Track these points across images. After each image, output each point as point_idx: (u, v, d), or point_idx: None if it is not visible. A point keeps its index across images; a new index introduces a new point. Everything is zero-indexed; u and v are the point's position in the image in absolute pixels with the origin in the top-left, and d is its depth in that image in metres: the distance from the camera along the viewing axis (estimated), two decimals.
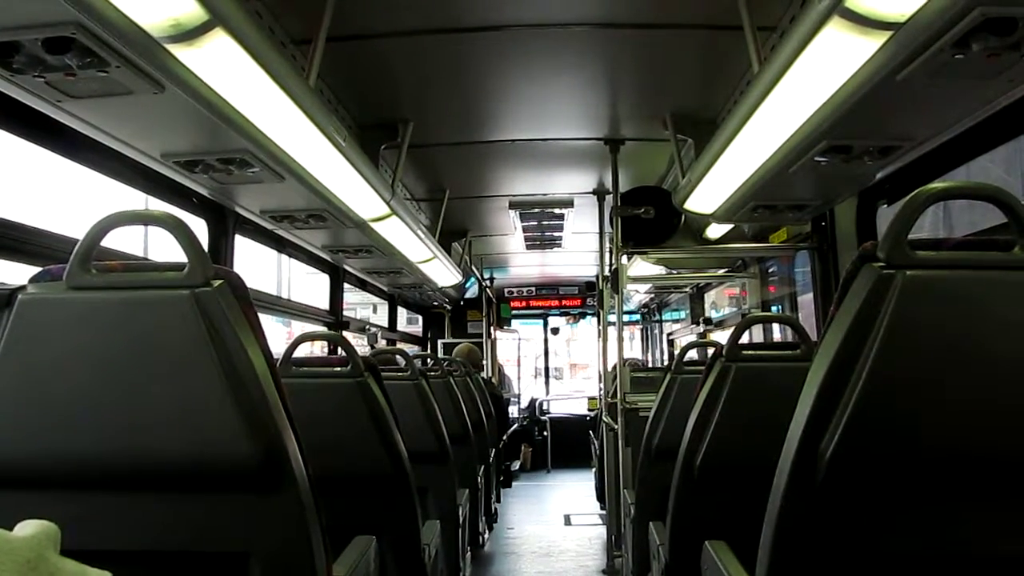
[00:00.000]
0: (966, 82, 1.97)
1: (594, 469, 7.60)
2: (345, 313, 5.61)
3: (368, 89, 3.47)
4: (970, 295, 1.29)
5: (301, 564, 1.48)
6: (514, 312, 11.15)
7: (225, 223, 3.34)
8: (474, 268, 7.99)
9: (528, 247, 7.44)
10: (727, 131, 2.71)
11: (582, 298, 10.98)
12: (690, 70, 3.32)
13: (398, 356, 3.88)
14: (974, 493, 1.37)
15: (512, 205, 5.81)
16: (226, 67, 1.94)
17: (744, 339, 2.43)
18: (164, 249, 2.00)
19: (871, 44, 1.83)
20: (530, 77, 3.41)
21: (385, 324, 7.31)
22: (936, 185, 1.33)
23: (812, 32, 1.87)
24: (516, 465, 9.76)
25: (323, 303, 5.35)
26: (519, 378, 12.17)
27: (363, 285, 6.22)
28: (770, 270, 5.79)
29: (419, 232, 4.44)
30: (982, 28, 1.65)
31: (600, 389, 6.25)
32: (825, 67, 2.02)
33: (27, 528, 0.56)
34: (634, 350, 12.42)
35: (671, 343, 10.19)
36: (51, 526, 0.57)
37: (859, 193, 3.39)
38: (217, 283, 1.39)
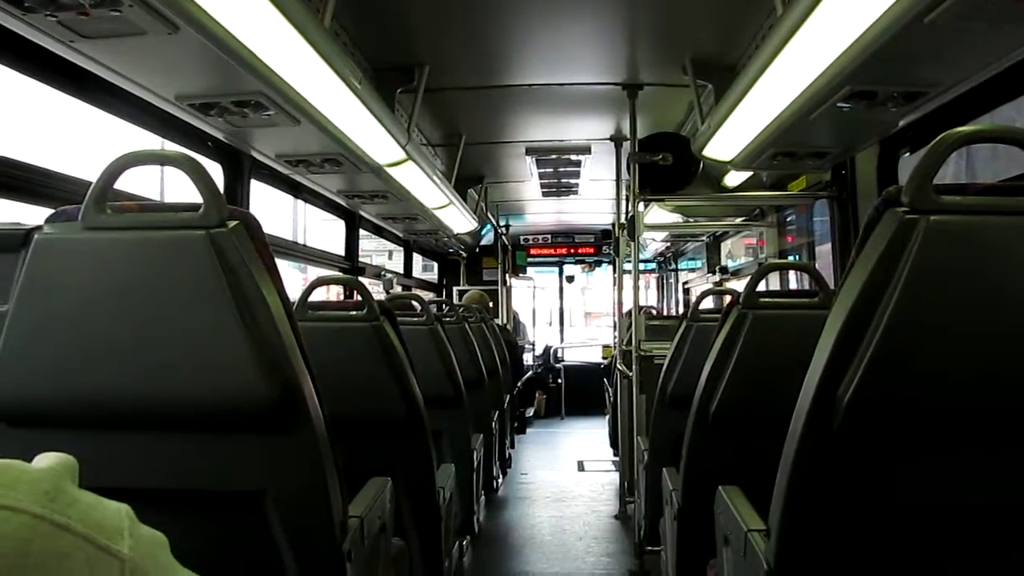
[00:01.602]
0: (995, 26, 1.92)
1: (607, 416, 7.65)
2: (361, 260, 5.62)
3: (384, 32, 3.42)
4: (996, 241, 1.26)
5: (316, 503, 1.50)
6: (529, 260, 11.13)
7: (240, 167, 3.33)
8: (490, 215, 7.96)
9: (544, 194, 7.40)
10: (748, 76, 2.67)
11: (598, 246, 10.94)
12: (711, 13, 3.25)
13: (413, 301, 3.88)
14: (993, 443, 1.37)
15: (529, 151, 5.76)
16: (240, 7, 1.92)
17: (761, 288, 2.42)
18: (180, 195, 1.99)
19: None
20: (548, 20, 3.36)
21: (401, 271, 7.32)
22: (963, 129, 1.30)
23: None
24: (530, 411, 9.83)
25: (339, 250, 5.36)
26: (534, 325, 12.20)
27: (379, 231, 6.22)
28: (788, 219, 5.74)
29: (435, 178, 4.42)
30: None
31: (615, 337, 6.26)
32: (850, 9, 1.97)
33: (45, 460, 0.56)
34: (650, 299, 12.42)
35: (687, 292, 10.19)
36: (69, 459, 0.57)
37: (880, 141, 3.33)
38: (233, 224, 1.38)
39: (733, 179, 4.93)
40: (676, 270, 11.40)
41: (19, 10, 1.72)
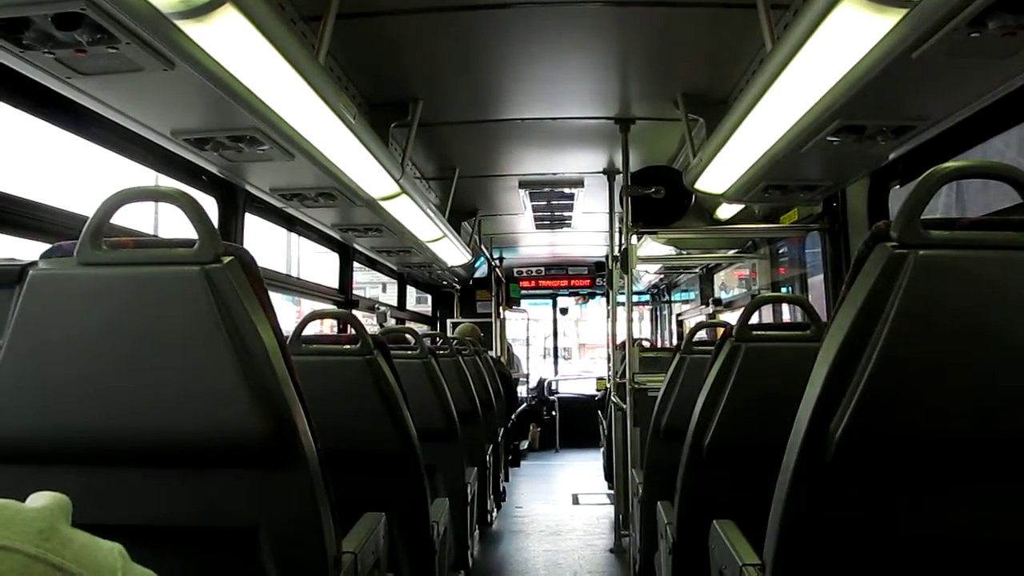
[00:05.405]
0: (981, 61, 1.95)
1: (602, 449, 7.61)
2: (354, 292, 5.62)
3: (378, 67, 3.45)
4: (984, 275, 1.28)
5: (310, 539, 1.49)
6: (523, 292, 11.13)
7: (235, 201, 3.34)
8: (484, 247, 7.98)
9: (538, 227, 7.43)
10: (739, 110, 2.69)
11: (591, 278, 10.97)
12: (702, 49, 3.28)
13: (407, 334, 3.88)
14: (984, 475, 1.37)
15: (522, 184, 5.79)
16: (236, 44, 1.93)
17: (754, 320, 2.43)
18: (174, 229, 2.00)
19: (886, 22, 1.81)
20: (540, 55, 3.39)
21: (394, 303, 7.32)
22: (950, 164, 1.32)
23: (826, 9, 1.85)
24: (524, 444, 9.78)
25: (332, 282, 5.36)
26: (528, 358, 12.17)
27: (372, 264, 6.23)
28: (780, 251, 5.77)
29: (429, 211, 4.43)
30: (998, 6, 1.63)
31: (609, 369, 6.25)
32: (839, 45, 2.00)
33: (39, 500, 0.56)
34: (643, 330, 12.42)
35: (680, 324, 10.19)
36: (63, 498, 0.57)
37: (871, 174, 3.36)
38: (227, 259, 1.39)
39: (725, 211, 4.96)
40: (670, 302, 11.41)
41: (17, 47, 1.74)
